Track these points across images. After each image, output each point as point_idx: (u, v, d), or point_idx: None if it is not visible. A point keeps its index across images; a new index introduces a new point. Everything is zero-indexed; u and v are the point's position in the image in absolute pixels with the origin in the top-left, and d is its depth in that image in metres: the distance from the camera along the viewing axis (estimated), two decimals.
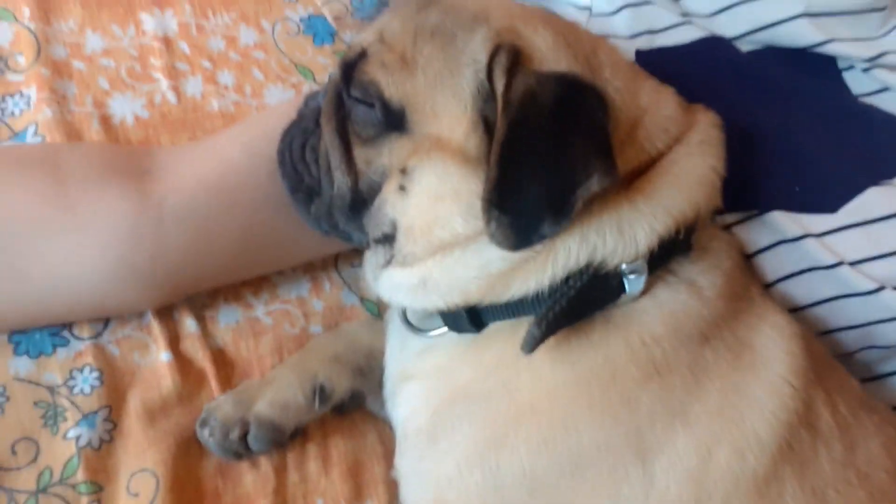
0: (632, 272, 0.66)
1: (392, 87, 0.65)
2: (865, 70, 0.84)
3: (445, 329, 0.73)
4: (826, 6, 0.84)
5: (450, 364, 0.72)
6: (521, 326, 0.67)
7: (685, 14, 0.92)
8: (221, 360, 0.81)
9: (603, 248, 0.65)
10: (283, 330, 0.85)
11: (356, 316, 0.90)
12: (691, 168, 0.68)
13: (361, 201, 0.70)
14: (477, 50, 0.64)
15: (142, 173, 0.74)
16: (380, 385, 0.83)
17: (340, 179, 0.70)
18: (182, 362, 0.78)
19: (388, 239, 0.70)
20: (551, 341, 0.65)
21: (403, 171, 0.66)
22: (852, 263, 0.77)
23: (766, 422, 0.65)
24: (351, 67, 0.68)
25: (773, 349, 0.69)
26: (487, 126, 0.64)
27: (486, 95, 0.63)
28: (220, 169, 0.76)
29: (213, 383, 0.79)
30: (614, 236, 0.64)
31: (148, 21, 0.93)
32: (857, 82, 0.87)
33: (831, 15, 0.85)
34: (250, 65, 0.95)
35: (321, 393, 0.80)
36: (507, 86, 0.61)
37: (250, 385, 0.80)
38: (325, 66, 0.99)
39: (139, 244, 0.71)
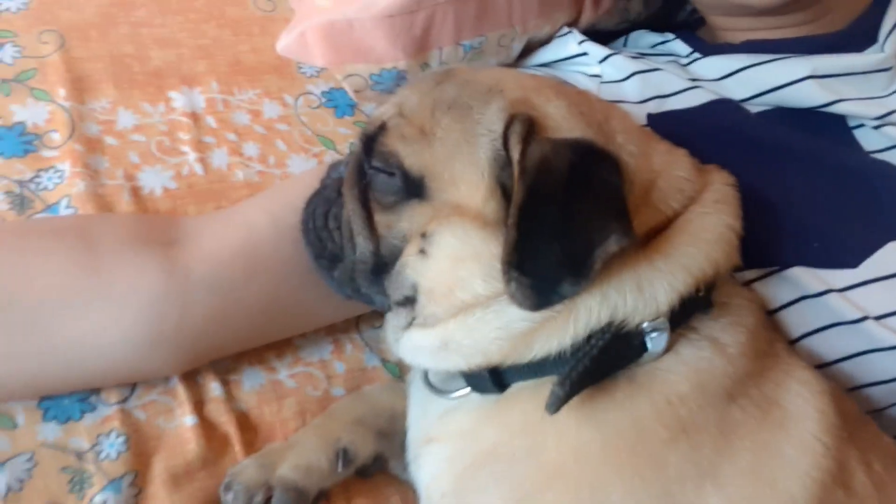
0: (653, 330, 0.66)
1: (411, 157, 0.67)
2: (876, 128, 0.86)
3: (468, 390, 0.74)
4: (832, 68, 0.87)
5: (474, 426, 0.72)
6: (545, 387, 0.67)
7: (693, 79, 0.95)
8: (245, 423, 0.81)
9: (624, 306, 0.65)
10: (306, 393, 0.85)
11: (378, 378, 0.90)
12: (708, 226, 0.69)
13: (383, 265, 0.72)
14: (493, 120, 0.66)
15: (169, 243, 0.77)
16: (403, 448, 0.83)
17: (362, 245, 0.72)
18: (206, 426, 0.78)
19: (410, 301, 0.71)
20: (576, 401, 0.65)
21: (424, 236, 0.68)
22: (877, 318, 0.77)
23: (799, 482, 0.64)
24: (372, 140, 0.71)
25: (802, 406, 0.68)
26: (505, 192, 0.66)
27: (503, 163, 0.66)
28: (246, 237, 0.78)
29: (237, 447, 0.79)
30: (634, 295, 0.65)
31: (177, 98, 0.97)
32: (867, 139, 0.88)
33: (837, 76, 0.88)
34: (274, 137, 0.99)
35: (344, 456, 0.80)
36: (523, 153, 0.63)
37: (273, 449, 0.80)
38: (346, 136, 1.02)
39: (167, 313, 0.72)
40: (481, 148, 0.66)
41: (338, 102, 1.05)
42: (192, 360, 0.78)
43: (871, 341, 0.76)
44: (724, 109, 0.92)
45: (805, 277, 0.79)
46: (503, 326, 0.67)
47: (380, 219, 0.71)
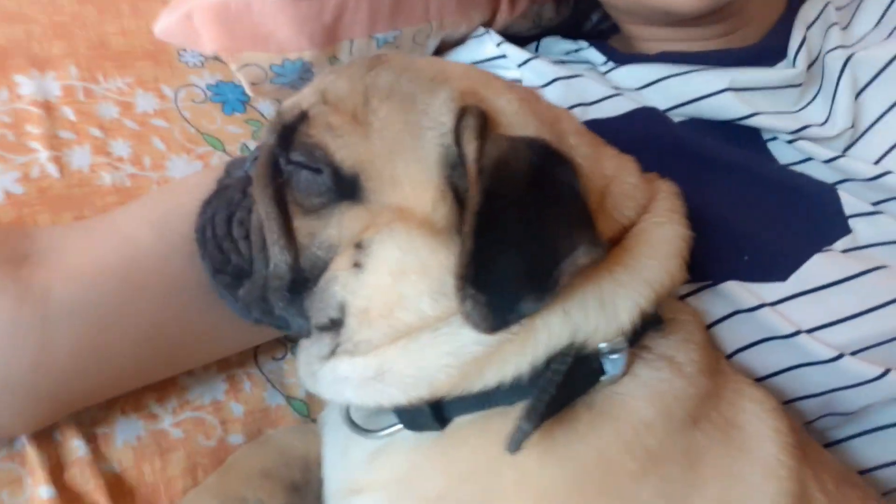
0: (612, 351, 0.59)
1: (343, 150, 0.57)
2: (789, 142, 0.86)
3: (399, 427, 0.63)
4: (748, 81, 0.87)
5: (411, 472, 0.62)
6: (492, 420, 0.60)
7: (615, 87, 0.92)
8: (119, 488, 0.65)
9: (585, 325, 0.58)
10: (197, 443, 0.70)
11: (283, 419, 0.77)
12: (664, 237, 0.64)
13: (303, 281, 0.60)
14: (440, 112, 0.58)
15: (18, 259, 0.60)
16: (318, 501, 0.70)
17: (278, 256, 0.59)
18: (68, 497, 0.61)
19: (335, 324, 0.60)
20: (534, 436, 0.57)
21: (358, 245, 0.57)
22: (808, 331, 0.75)
23: None
24: (290, 130, 0.59)
25: (759, 427, 0.64)
26: (455, 194, 0.57)
27: (454, 161, 0.57)
28: (123, 251, 0.63)
29: None
30: (596, 312, 0.59)
31: (25, 84, 0.79)
32: (780, 152, 0.89)
33: (754, 90, 0.88)
34: (149, 134, 0.83)
35: None
36: (480, 150, 0.55)
37: None
38: (237, 135, 0.89)
39: (17, 350, 0.56)
40: (428, 143, 0.57)
41: (227, 97, 0.91)
42: (51, 410, 0.61)
43: (803, 355, 0.75)
44: (648, 118, 0.89)
45: (738, 292, 0.77)
46: (454, 352, 0.58)
47: (300, 224, 0.59)
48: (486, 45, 0.95)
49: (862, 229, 0.81)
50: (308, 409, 0.79)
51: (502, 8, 0.98)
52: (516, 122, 0.59)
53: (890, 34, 0.88)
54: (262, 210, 0.60)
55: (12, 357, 0.55)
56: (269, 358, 0.79)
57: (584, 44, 1.02)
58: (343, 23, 0.82)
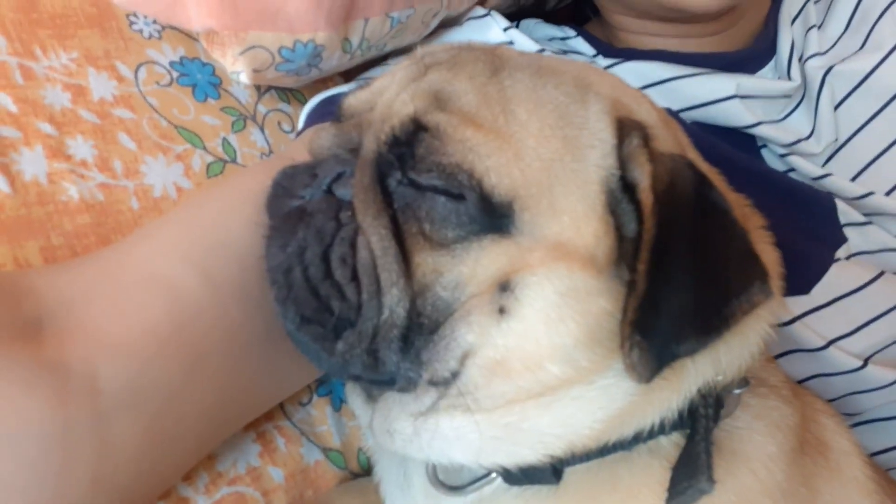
0: (738, 385, 0.56)
1: (494, 173, 0.46)
2: (781, 155, 0.88)
3: (496, 481, 0.55)
4: (752, 89, 0.87)
5: None
6: (616, 469, 0.54)
7: None
8: None
9: (726, 361, 0.54)
10: None
11: (323, 477, 0.64)
12: (771, 259, 0.61)
13: (417, 328, 0.49)
14: (599, 127, 0.49)
15: (30, 331, 0.42)
16: None
17: (396, 300, 0.48)
18: None
19: (453, 376, 0.50)
20: (665, 484, 0.52)
21: (504, 287, 0.47)
22: (832, 341, 0.78)
23: None
24: (409, 144, 0.47)
25: (843, 443, 0.65)
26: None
27: (615, 186, 0.49)
28: (171, 306, 0.47)
29: None
30: (739, 346, 0.55)
31: None
32: (770, 161, 0.91)
33: (755, 98, 0.88)
34: (113, 128, 0.64)
35: None
36: (654, 175, 0.47)
37: None
38: (215, 128, 0.72)
39: (71, 465, 0.39)
40: (590, 164, 0.48)
41: (195, 78, 0.73)
42: None
43: (829, 366, 0.78)
44: None
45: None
46: (606, 405, 0.50)
47: (424, 261, 0.48)
48: (492, 29, 0.86)
49: (853, 238, 0.85)
50: (345, 460, 0.67)
51: None
52: (662, 138, 0.52)
53: (864, 44, 0.93)
54: (377, 245, 0.47)
55: (66, 475, 0.38)
56: (296, 404, 0.65)
57: (570, 31, 0.97)
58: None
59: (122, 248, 0.51)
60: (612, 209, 0.49)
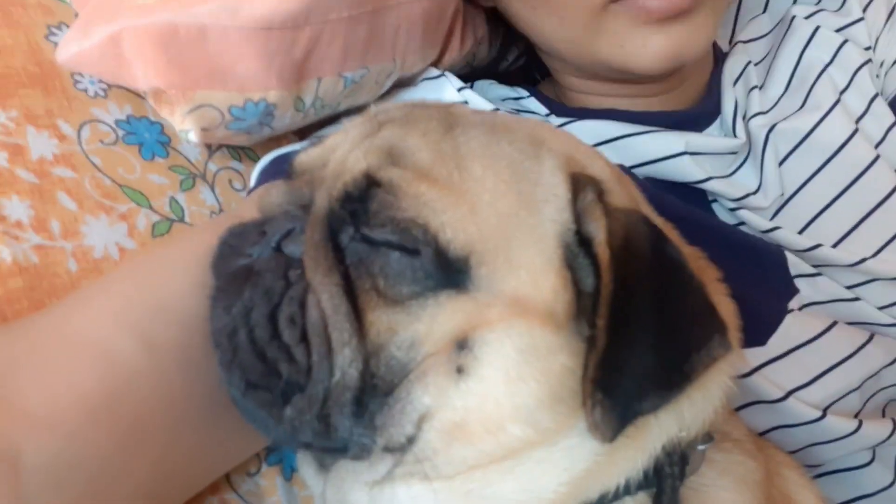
0: (703, 441, 0.55)
1: (449, 228, 0.45)
2: (731, 210, 0.90)
3: None
4: (700, 146, 0.89)
5: None
6: None
7: None
8: None
9: (689, 416, 0.53)
10: None
11: None
12: (728, 311, 0.61)
13: (371, 389, 0.47)
14: (553, 183, 0.49)
15: None
16: None
17: (347, 361, 0.46)
18: None
19: (410, 441, 0.48)
20: None
21: (462, 345, 0.46)
22: (791, 392, 0.78)
23: None
24: (362, 199, 0.46)
25: (808, 497, 0.65)
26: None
27: (570, 240, 0.48)
28: (104, 374, 0.44)
29: None
30: (701, 401, 0.54)
31: None
32: (721, 215, 0.93)
33: (704, 154, 0.90)
34: (53, 188, 0.61)
35: None
36: (609, 230, 0.47)
37: None
38: (163, 186, 0.70)
39: None
40: (546, 219, 0.48)
41: (142, 137, 0.71)
42: None
43: (789, 417, 0.78)
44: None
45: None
46: (571, 467, 0.49)
47: (377, 318, 0.46)
48: (445, 90, 0.87)
49: (804, 289, 0.86)
50: None
51: (452, 47, 0.91)
52: (616, 193, 0.52)
53: (804, 103, 0.96)
54: (328, 303, 0.45)
55: None
56: (244, 475, 0.61)
57: (522, 92, 0.99)
58: (314, 58, 0.68)
59: (55, 312, 0.48)
60: (569, 263, 0.48)
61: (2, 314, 0.52)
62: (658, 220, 0.57)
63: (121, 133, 0.69)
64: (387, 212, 0.45)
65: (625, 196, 0.53)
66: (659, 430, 0.51)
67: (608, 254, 0.47)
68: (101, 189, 0.64)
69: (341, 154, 0.50)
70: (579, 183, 0.49)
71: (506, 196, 0.47)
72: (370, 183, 0.47)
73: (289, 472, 0.66)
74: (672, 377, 0.48)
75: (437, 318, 0.46)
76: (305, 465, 0.58)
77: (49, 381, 0.41)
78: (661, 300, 0.48)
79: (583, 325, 0.48)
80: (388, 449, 0.48)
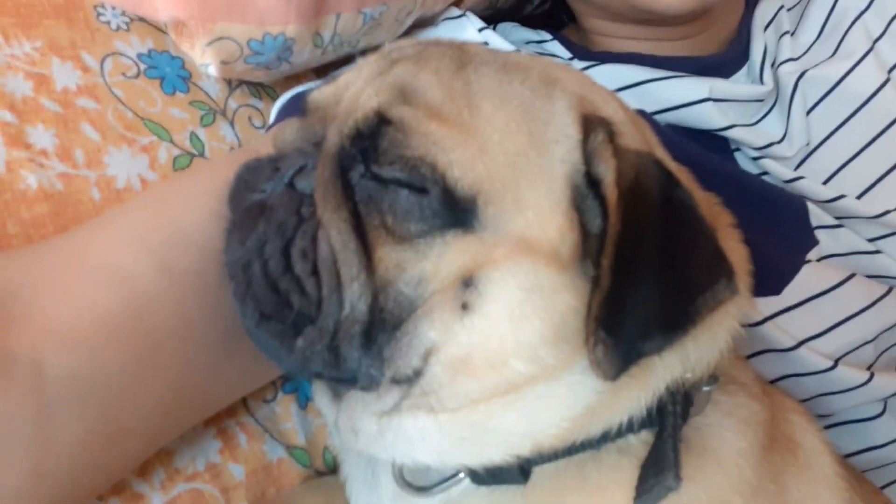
0: (708, 382, 0.56)
1: (458, 167, 0.46)
2: (754, 158, 0.89)
3: (464, 483, 0.54)
4: (725, 93, 0.87)
5: None
6: (585, 468, 0.53)
7: None
8: None
9: (695, 358, 0.54)
10: None
11: (287, 475, 0.63)
12: (740, 256, 0.61)
13: (380, 324, 0.48)
14: (564, 123, 0.49)
15: None
16: None
17: (357, 295, 0.47)
18: None
19: (416, 375, 0.49)
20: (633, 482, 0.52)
21: (467, 283, 0.47)
22: (803, 342, 0.78)
23: None
24: (372, 137, 0.47)
25: (813, 441, 0.65)
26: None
27: (580, 181, 0.48)
28: (124, 295, 0.45)
29: None
30: (708, 343, 0.54)
31: None
32: (743, 164, 0.91)
33: (729, 101, 0.88)
34: (77, 118, 0.63)
35: None
36: (618, 171, 0.47)
37: None
38: (183, 121, 0.71)
39: (11, 455, 0.38)
40: (555, 159, 0.48)
41: (163, 71, 0.72)
42: None
43: (800, 366, 0.78)
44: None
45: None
46: (573, 404, 0.50)
47: (386, 255, 0.47)
48: (466, 30, 0.86)
49: (824, 240, 0.85)
50: (310, 459, 0.66)
51: None
52: (628, 135, 0.52)
53: (835, 51, 0.93)
54: (338, 239, 0.46)
55: (5, 465, 0.37)
56: (260, 401, 0.64)
57: (546, 35, 0.97)
58: None
59: (78, 235, 0.50)
60: (578, 205, 0.49)
61: (28, 238, 0.54)
62: (672, 165, 0.57)
63: (143, 67, 0.70)
64: (396, 150, 0.46)
65: (637, 138, 0.53)
66: (663, 370, 0.52)
67: (616, 194, 0.47)
68: (123, 121, 0.66)
69: (354, 91, 0.51)
70: (590, 124, 0.49)
71: (515, 135, 0.47)
72: (381, 121, 0.47)
73: (304, 401, 0.68)
74: (677, 319, 0.48)
75: (444, 256, 0.47)
76: (320, 394, 0.60)
77: (71, 301, 0.43)
78: (669, 242, 0.48)
79: (589, 267, 0.49)
80: (395, 381, 0.50)
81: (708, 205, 0.64)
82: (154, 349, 0.46)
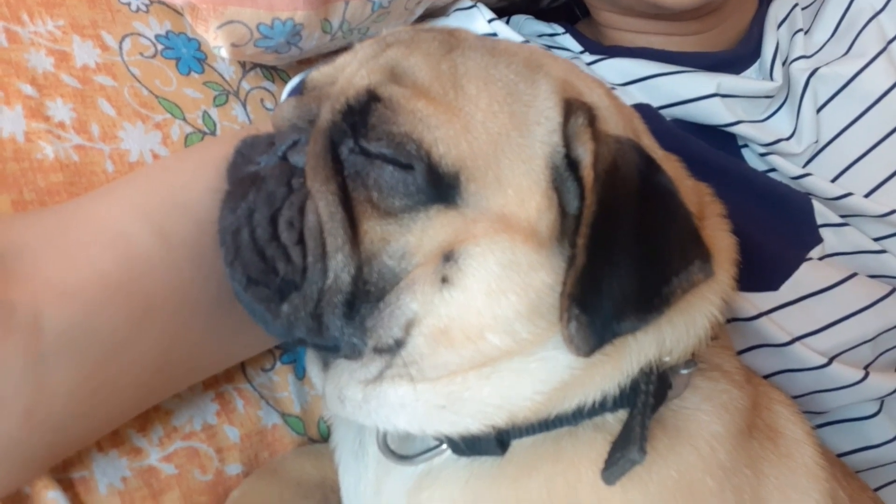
0: (686, 365, 0.57)
1: (442, 144, 0.48)
2: (762, 155, 0.89)
3: (445, 454, 0.57)
4: (733, 89, 0.87)
5: (474, 502, 0.55)
6: (560, 443, 0.55)
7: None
8: None
9: (671, 341, 0.55)
10: (193, 479, 0.58)
11: (280, 441, 0.66)
12: (725, 245, 0.62)
13: (364, 295, 0.50)
14: (546, 106, 0.51)
15: None
16: None
17: (341, 266, 0.49)
18: None
19: (398, 345, 0.52)
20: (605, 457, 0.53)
21: (448, 257, 0.49)
22: (798, 338, 0.79)
23: None
24: (361, 114, 0.49)
25: (795, 431, 0.65)
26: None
27: (559, 163, 0.50)
28: (120, 256, 0.48)
29: None
30: (684, 327, 0.55)
31: None
32: (750, 161, 0.91)
33: (736, 97, 0.89)
34: (94, 94, 0.66)
35: None
36: (596, 154, 0.49)
37: None
38: (196, 101, 0.74)
39: (6, 399, 0.41)
40: (536, 140, 0.50)
41: (180, 52, 0.75)
42: (40, 465, 0.46)
43: (794, 361, 0.78)
44: (645, 116, 0.87)
45: (736, 300, 0.78)
46: (546, 378, 0.52)
47: (371, 228, 0.49)
48: (476, 21, 0.88)
49: (829, 239, 0.85)
50: (304, 427, 0.68)
51: None
52: (611, 120, 0.53)
53: (848, 50, 0.93)
54: (325, 210, 0.49)
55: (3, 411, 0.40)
56: (258, 370, 0.67)
57: (558, 28, 0.98)
58: None
59: (82, 201, 0.53)
60: (557, 186, 0.50)
61: (42, 204, 0.58)
62: (657, 153, 0.58)
63: (160, 47, 0.73)
64: (384, 126, 0.48)
65: (621, 125, 0.54)
66: (638, 350, 0.53)
67: (592, 177, 0.48)
68: (138, 98, 0.69)
69: (349, 72, 0.53)
70: (571, 107, 0.50)
71: (498, 116, 0.49)
72: (371, 98, 0.49)
73: (301, 372, 0.71)
74: (651, 300, 0.49)
75: (427, 231, 0.49)
76: (311, 363, 0.63)
77: (71, 260, 0.46)
78: (645, 224, 0.49)
79: (566, 247, 0.51)
80: (377, 350, 0.52)
81: (697, 194, 0.65)
82: (149, 311, 0.49)
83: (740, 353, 0.79)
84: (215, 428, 0.61)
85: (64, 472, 0.51)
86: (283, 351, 0.70)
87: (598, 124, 0.51)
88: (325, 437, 0.70)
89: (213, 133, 0.73)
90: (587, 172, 0.49)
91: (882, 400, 0.85)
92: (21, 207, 0.57)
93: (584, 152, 0.49)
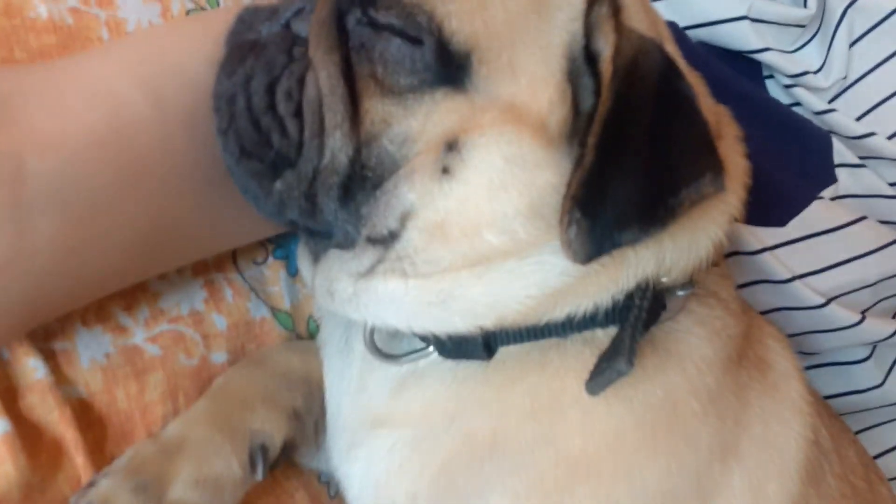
0: (682, 287, 0.56)
1: (455, 18, 0.45)
2: (787, 86, 0.85)
3: (432, 355, 0.56)
4: (764, 13, 0.83)
5: (456, 406, 0.55)
6: (548, 354, 0.54)
7: None
8: (87, 417, 0.51)
9: (671, 259, 0.54)
10: (178, 362, 0.57)
11: (268, 335, 0.65)
12: (737, 166, 0.60)
13: (360, 179, 0.48)
14: None
15: None
16: (317, 430, 0.62)
17: (338, 144, 0.47)
18: (26, 430, 0.47)
19: (392, 237, 0.50)
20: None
21: (451, 146, 0.47)
22: (799, 277, 0.77)
23: (797, 446, 0.61)
24: None
25: (785, 365, 0.65)
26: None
27: (578, 54, 0.47)
28: (111, 115, 0.46)
29: (79, 457, 0.49)
30: (686, 245, 0.54)
31: None
32: (774, 92, 0.88)
33: (768, 23, 0.85)
34: None
35: (263, 455, 0.56)
36: (617, 47, 0.46)
37: (146, 455, 0.52)
38: None
39: None
40: (556, 27, 0.47)
41: None
42: (20, 321, 0.45)
43: (793, 300, 0.78)
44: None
45: (741, 232, 0.77)
46: (540, 282, 0.50)
47: (373, 107, 0.47)
48: None
49: (844, 179, 0.83)
50: (293, 323, 0.68)
51: None
52: (636, 17, 0.50)
53: None
54: (325, 82, 0.46)
55: None
56: (250, 262, 0.66)
57: None
58: None
59: (75, 59, 0.50)
60: (572, 79, 0.48)
61: None
62: (680, 62, 0.55)
63: None
64: None
65: (645, 23, 0.51)
66: (637, 264, 0.52)
67: (611, 71, 0.46)
68: None
69: None
70: None
71: None
72: None
73: (293, 270, 0.70)
74: (656, 210, 0.47)
75: (432, 115, 0.47)
76: (302, 257, 0.61)
77: (58, 110, 0.44)
78: (659, 129, 0.47)
79: (575, 148, 0.48)
80: (371, 240, 0.50)
81: (716, 114, 0.63)
82: (137, 175, 0.47)
83: (739, 287, 0.77)
84: (202, 314, 0.60)
85: (46, 342, 0.51)
86: (276, 245, 0.68)
87: (623, 17, 0.48)
88: (314, 336, 0.69)
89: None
90: (606, 66, 0.46)
91: (874, 346, 0.84)
92: (11, 65, 0.54)
93: (605, 44, 0.46)
